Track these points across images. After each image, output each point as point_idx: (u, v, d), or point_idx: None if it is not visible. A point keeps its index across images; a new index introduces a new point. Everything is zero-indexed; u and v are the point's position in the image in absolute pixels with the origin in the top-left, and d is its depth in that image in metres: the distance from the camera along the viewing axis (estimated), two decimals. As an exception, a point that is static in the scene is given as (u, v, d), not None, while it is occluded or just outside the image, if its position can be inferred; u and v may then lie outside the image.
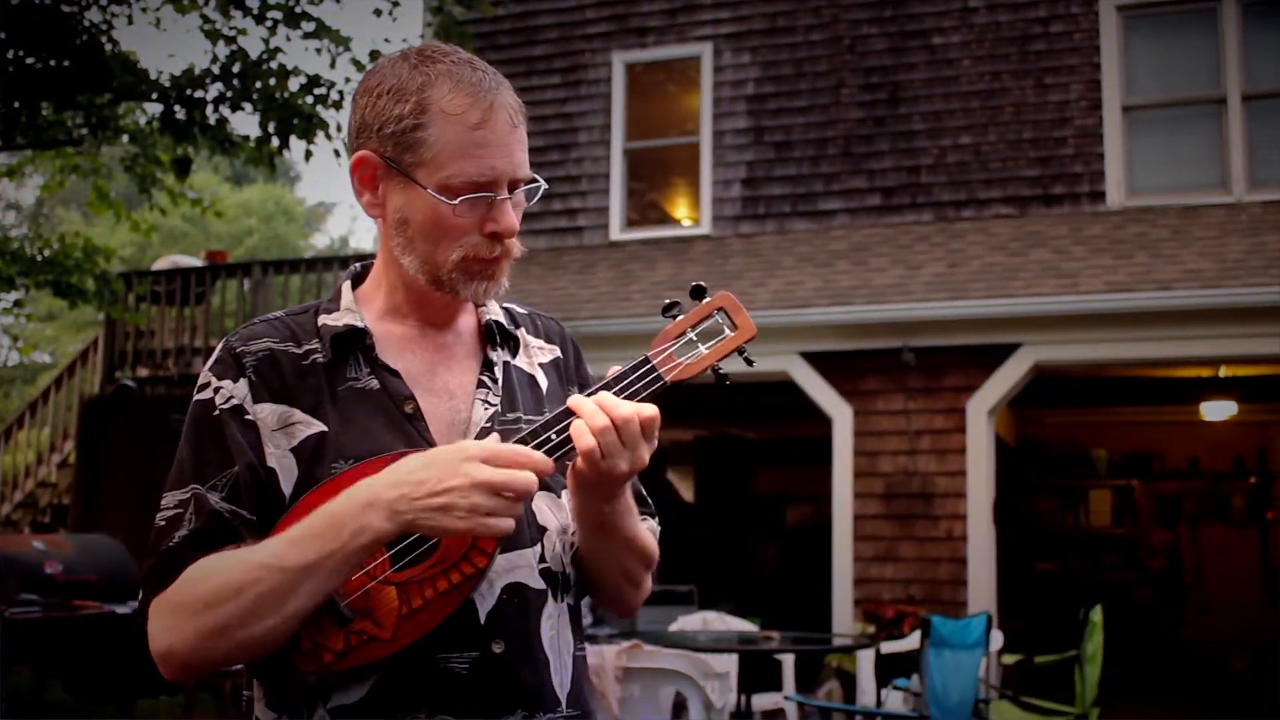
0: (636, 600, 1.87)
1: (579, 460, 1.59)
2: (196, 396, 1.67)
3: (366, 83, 1.71)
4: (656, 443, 1.63)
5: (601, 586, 1.82)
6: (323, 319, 1.74)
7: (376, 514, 1.49)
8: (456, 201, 1.63)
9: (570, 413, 1.60)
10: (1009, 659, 7.92)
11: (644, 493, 1.90)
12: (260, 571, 1.50)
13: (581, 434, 1.56)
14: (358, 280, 1.82)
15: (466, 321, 1.82)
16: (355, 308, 1.75)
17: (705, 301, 1.72)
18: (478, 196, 1.64)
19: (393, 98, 1.66)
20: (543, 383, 1.84)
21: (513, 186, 1.68)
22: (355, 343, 1.71)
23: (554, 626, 1.71)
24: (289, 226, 40.35)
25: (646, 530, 1.83)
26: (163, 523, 1.61)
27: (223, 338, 1.71)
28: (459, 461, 1.49)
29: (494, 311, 1.84)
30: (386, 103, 1.66)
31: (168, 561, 1.57)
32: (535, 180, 1.72)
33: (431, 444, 1.64)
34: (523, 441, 1.58)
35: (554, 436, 1.59)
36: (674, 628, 7.92)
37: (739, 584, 11.97)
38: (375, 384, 1.69)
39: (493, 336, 1.81)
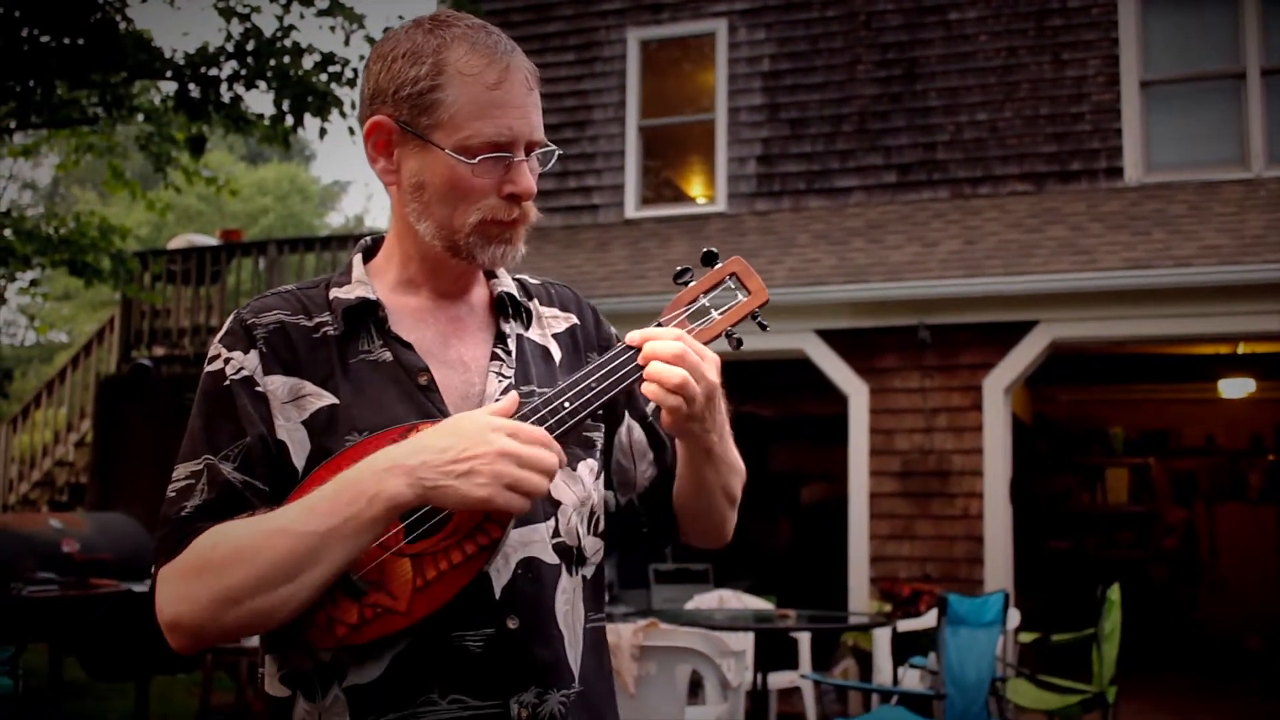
0: (733, 520, 1.89)
1: (665, 415, 1.60)
2: (207, 368, 1.67)
3: (380, 49, 1.70)
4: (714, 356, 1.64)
5: (705, 519, 1.85)
6: (334, 292, 1.72)
7: (396, 479, 1.47)
8: (475, 161, 1.62)
9: (571, 386, 1.60)
10: (1026, 637, 7.91)
11: None
12: (276, 537, 1.48)
13: (664, 398, 1.57)
14: (369, 254, 1.81)
15: (479, 294, 1.81)
16: (367, 280, 1.74)
17: (717, 267, 1.71)
18: (496, 157, 1.63)
19: (408, 61, 1.65)
20: (555, 354, 1.83)
21: (529, 149, 1.67)
22: (368, 315, 1.70)
23: (568, 601, 1.70)
24: (304, 205, 40.38)
25: None
26: (174, 493, 1.60)
27: (233, 312, 1.70)
28: (484, 430, 1.48)
29: (506, 283, 1.83)
30: (402, 66, 1.65)
31: (179, 531, 1.56)
32: (550, 146, 1.71)
33: (447, 415, 1.63)
34: (536, 410, 1.58)
35: (567, 404, 1.58)
36: (690, 606, 7.92)
37: (755, 562, 11.98)
38: (388, 356, 1.67)
39: (505, 309, 1.80)
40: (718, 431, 1.69)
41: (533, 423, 1.56)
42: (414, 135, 1.65)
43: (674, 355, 1.57)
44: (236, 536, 1.51)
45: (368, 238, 1.84)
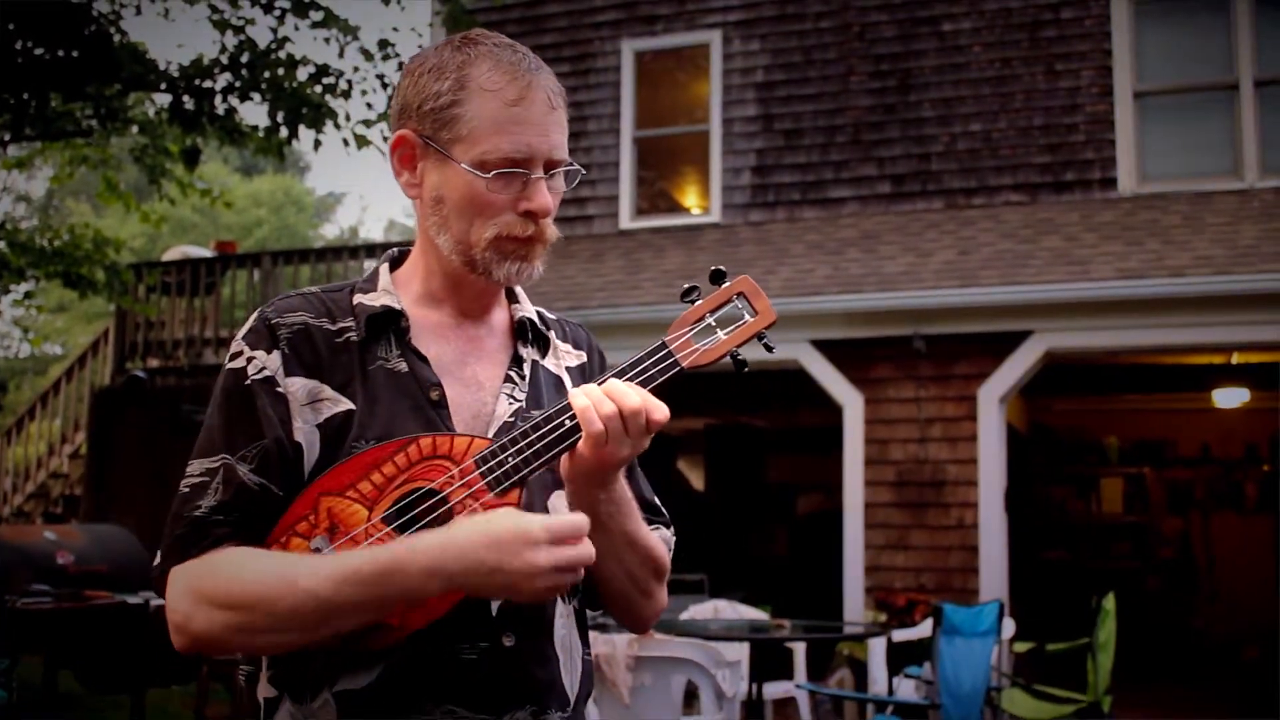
0: (649, 612, 1.85)
1: (580, 444, 1.58)
2: (229, 365, 1.67)
3: (410, 65, 1.73)
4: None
5: (610, 593, 1.81)
6: (359, 298, 1.73)
7: (436, 584, 1.48)
8: (490, 175, 1.63)
9: (569, 406, 1.59)
10: (1021, 647, 7.91)
11: (657, 502, 1.90)
12: (301, 596, 1.48)
13: (590, 420, 1.55)
14: (395, 264, 1.82)
15: (500, 316, 1.82)
16: (393, 290, 1.75)
17: (724, 286, 1.70)
18: (512, 172, 1.64)
19: (433, 76, 1.67)
20: (569, 385, 1.83)
21: (549, 168, 1.68)
22: (390, 324, 1.71)
23: (565, 626, 1.71)
24: (298, 217, 40.39)
25: (653, 536, 1.81)
26: (188, 489, 1.60)
27: (257, 309, 1.70)
28: (523, 547, 1.46)
29: (528, 309, 1.83)
30: (427, 81, 1.67)
31: (192, 531, 1.57)
32: (573, 165, 1.72)
33: (453, 432, 1.64)
34: (525, 435, 1.58)
35: (567, 421, 1.59)
36: (685, 616, 7.92)
37: (750, 572, 11.97)
38: (404, 367, 1.68)
39: (525, 334, 1.81)
40: (608, 495, 1.67)
41: (521, 446, 1.57)
42: (435, 149, 1.66)
43: (631, 410, 1.56)
44: (261, 578, 1.51)
45: (394, 249, 1.85)
